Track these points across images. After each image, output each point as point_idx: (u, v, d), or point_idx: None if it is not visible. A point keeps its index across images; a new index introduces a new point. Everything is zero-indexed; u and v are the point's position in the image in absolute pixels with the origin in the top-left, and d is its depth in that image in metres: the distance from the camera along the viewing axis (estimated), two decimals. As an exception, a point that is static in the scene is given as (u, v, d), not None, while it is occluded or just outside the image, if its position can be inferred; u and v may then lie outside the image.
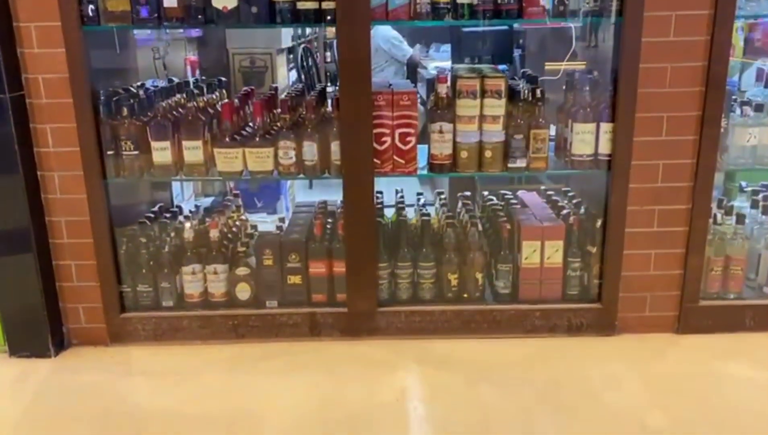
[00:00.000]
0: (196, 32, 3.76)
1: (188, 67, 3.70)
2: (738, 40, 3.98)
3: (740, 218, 2.66)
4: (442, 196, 3.06)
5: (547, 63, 3.28)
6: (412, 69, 5.96)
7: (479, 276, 2.68)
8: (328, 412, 2.22)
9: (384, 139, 2.48)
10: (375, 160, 2.50)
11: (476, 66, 2.78)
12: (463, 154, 2.51)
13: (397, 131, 2.48)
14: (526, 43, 4.18)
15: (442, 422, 2.16)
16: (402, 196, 2.92)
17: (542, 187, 3.09)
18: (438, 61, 6.00)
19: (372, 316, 2.64)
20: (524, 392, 2.30)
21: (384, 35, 5.64)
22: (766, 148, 2.54)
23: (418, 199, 2.97)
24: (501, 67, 4.47)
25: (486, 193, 3.09)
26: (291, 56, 4.96)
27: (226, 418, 2.19)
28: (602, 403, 2.23)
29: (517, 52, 4.34)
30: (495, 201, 2.96)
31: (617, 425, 2.11)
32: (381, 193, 2.95)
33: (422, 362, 2.50)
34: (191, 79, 3.53)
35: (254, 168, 2.51)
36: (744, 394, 2.27)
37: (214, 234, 2.64)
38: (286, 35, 4.56)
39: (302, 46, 5.25)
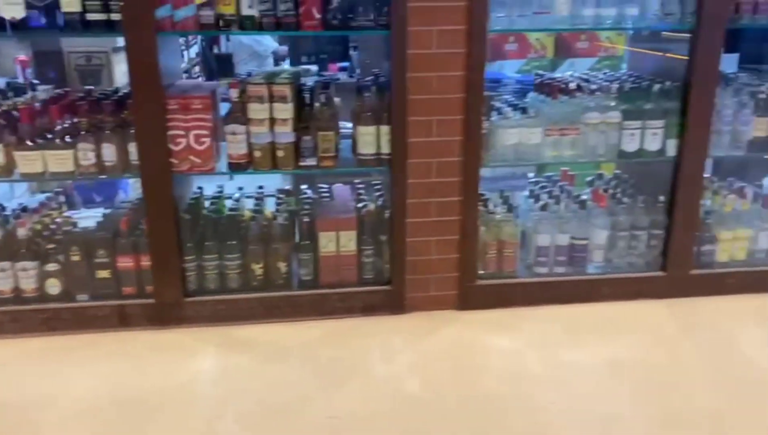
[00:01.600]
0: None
1: (18, 67, 3.73)
2: (550, 41, 4.41)
3: (510, 207, 3.03)
4: (260, 190, 3.26)
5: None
6: (277, 63, 6.15)
7: (282, 265, 2.92)
8: (121, 393, 2.40)
9: (179, 140, 2.67)
10: (172, 159, 2.68)
11: (277, 69, 2.99)
12: (257, 154, 2.73)
13: (192, 133, 2.67)
14: (363, 45, 4.44)
15: (225, 398, 2.39)
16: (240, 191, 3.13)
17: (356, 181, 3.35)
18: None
19: (179, 305, 2.84)
20: (306, 368, 2.56)
21: (248, 31, 5.80)
22: (525, 147, 2.88)
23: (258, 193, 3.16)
24: (344, 65, 4.75)
25: (305, 186, 3.33)
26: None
27: (23, 404, 2.33)
28: (371, 375, 2.53)
29: (356, 53, 4.60)
30: (309, 194, 3.20)
31: (377, 393, 2.41)
32: (201, 188, 3.14)
33: (222, 346, 2.72)
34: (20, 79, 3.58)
35: (55, 169, 2.64)
36: (494, 360, 2.62)
37: (22, 232, 2.75)
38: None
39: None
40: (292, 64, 4.60)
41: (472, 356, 2.65)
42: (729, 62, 4.39)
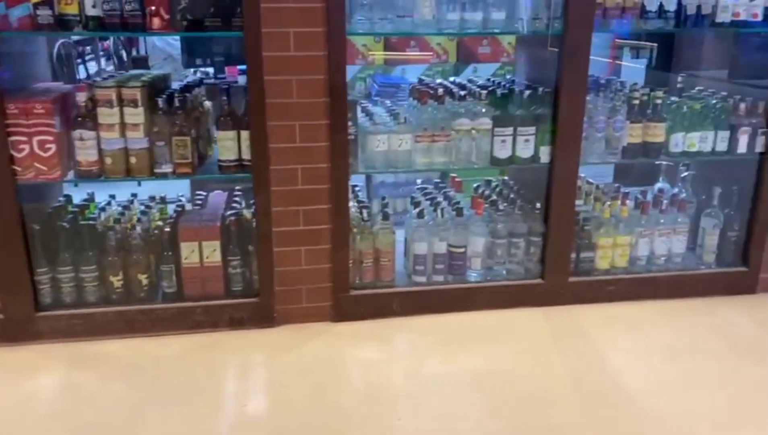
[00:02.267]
0: None
1: None
2: (452, 46, 4.37)
3: (385, 215, 2.95)
4: (131, 198, 3.12)
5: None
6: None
7: (143, 277, 2.78)
8: (-54, 419, 2.23)
9: (22, 146, 2.52)
10: (16, 167, 2.53)
11: (137, 73, 2.85)
12: (108, 161, 2.59)
13: (35, 139, 2.52)
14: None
15: (55, 419, 2.24)
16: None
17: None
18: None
19: (30, 321, 2.68)
20: (152, 386, 2.43)
21: (162, 33, 5.65)
22: (396, 153, 2.81)
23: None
24: (242, 67, 4.62)
25: (180, 194, 3.20)
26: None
27: None
28: (218, 393, 2.41)
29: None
30: (183, 202, 3.07)
31: (217, 412, 2.29)
32: (68, 196, 2.99)
33: (72, 363, 2.57)
34: None
35: None
36: (356, 375, 2.54)
37: None
38: None
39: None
40: (186, 66, 4.47)
41: (335, 371, 2.56)
42: (638, 69, 4.43)
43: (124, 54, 6.63)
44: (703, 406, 2.32)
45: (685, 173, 3.36)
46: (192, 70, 4.62)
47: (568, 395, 2.39)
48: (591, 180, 3.37)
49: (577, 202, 3.26)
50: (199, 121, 2.76)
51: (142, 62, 6.34)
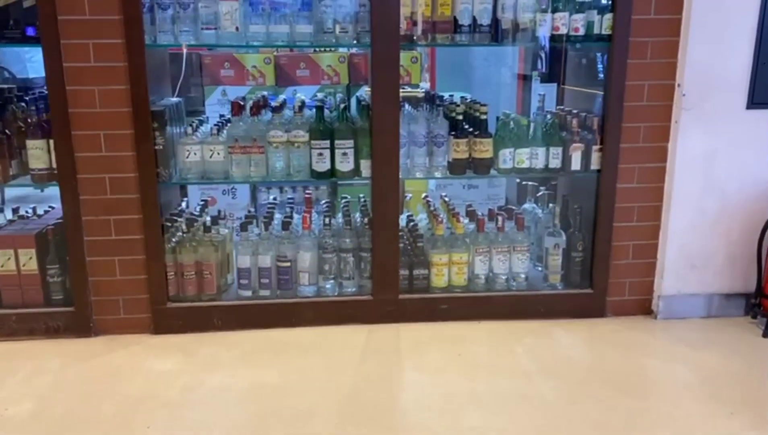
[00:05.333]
0: None
1: None
2: (344, 68, 4.38)
3: (207, 228, 2.95)
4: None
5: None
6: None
7: (-41, 283, 2.82)
8: None
9: None
10: None
11: None
12: None
13: None
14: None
15: None
16: None
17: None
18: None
19: None
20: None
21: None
22: (210, 164, 2.82)
23: None
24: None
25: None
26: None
27: None
28: (-8, 397, 2.40)
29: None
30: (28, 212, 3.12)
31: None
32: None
33: None
34: None
35: None
36: (138, 386, 2.49)
37: None
38: None
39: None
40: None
41: (118, 381, 2.53)
42: (548, 90, 4.39)
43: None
44: (474, 426, 2.22)
45: (541, 192, 3.29)
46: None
47: (332, 410, 2.31)
48: (447, 198, 3.32)
49: (419, 218, 3.23)
50: (12, 129, 2.79)
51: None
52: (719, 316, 3.04)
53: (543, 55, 4.33)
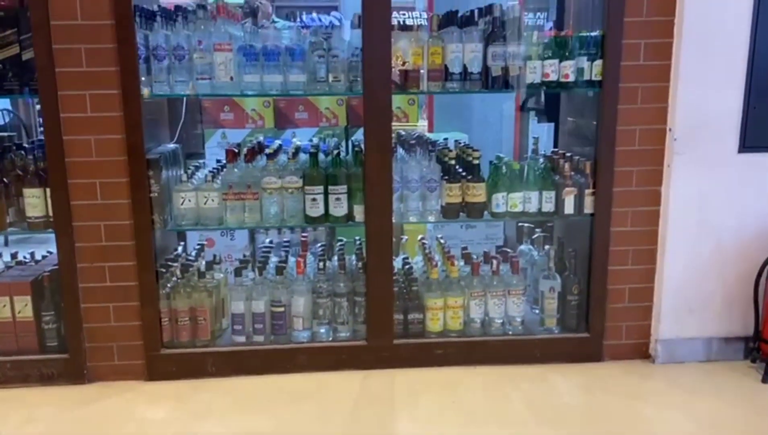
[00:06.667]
0: None
1: None
2: (341, 110, 4.44)
3: (201, 273, 2.96)
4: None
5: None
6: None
7: (-44, 331, 2.83)
8: None
9: None
10: None
11: None
12: None
13: None
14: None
15: None
16: None
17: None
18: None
19: None
20: None
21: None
22: (204, 210, 2.84)
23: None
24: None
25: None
26: None
27: None
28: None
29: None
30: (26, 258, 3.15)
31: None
32: None
33: None
34: None
35: None
36: (124, 432, 2.48)
37: None
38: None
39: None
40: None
41: (110, 430, 2.52)
42: (546, 131, 4.41)
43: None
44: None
45: (537, 234, 3.29)
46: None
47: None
48: (443, 239, 3.33)
49: (415, 260, 3.23)
50: (10, 177, 2.83)
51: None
52: (718, 360, 3.00)
53: (538, 96, 4.39)
